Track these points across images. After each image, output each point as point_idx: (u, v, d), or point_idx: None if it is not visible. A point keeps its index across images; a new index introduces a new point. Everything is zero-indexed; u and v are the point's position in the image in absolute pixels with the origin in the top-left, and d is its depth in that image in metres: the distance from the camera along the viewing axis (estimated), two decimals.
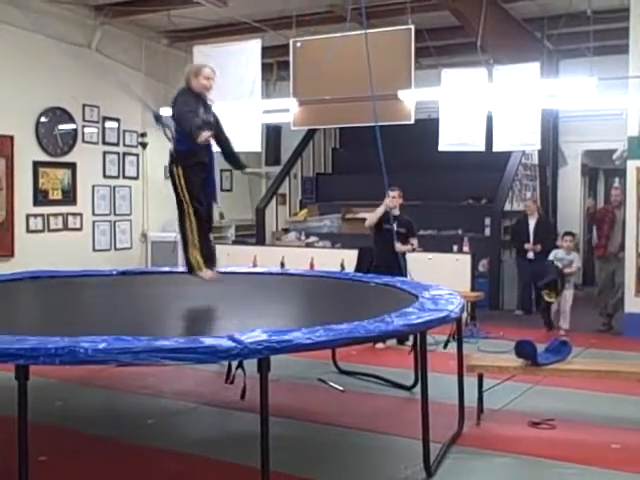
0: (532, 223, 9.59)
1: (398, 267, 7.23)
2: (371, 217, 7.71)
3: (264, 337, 3.27)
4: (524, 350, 5.04)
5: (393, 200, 7.63)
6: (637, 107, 8.18)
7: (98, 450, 4.49)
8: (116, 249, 10.55)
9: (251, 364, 3.36)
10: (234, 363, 4.11)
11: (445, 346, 5.33)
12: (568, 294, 8.46)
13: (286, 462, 3.98)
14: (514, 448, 4.51)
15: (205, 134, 4.69)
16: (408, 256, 7.71)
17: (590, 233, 10.05)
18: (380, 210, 7.58)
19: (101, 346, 3.08)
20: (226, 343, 3.21)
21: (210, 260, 5.16)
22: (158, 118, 5.15)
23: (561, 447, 4.55)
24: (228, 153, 5.31)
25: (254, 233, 11.64)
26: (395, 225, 7.46)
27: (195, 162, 5.01)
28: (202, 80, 4.97)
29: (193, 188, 5.01)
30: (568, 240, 8.57)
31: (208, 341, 3.25)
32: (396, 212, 7.67)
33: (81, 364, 3.15)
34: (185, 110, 4.79)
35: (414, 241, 7.76)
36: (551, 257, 8.49)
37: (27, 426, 3.09)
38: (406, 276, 6.95)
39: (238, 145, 9.34)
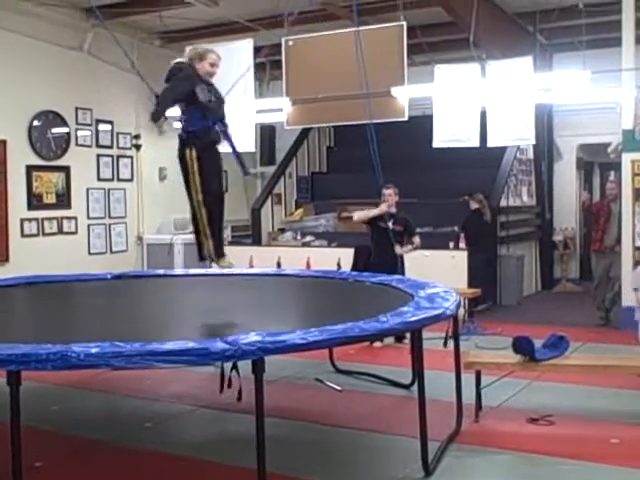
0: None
1: (395, 265, 7.21)
2: (361, 214, 7.61)
3: (257, 338, 3.25)
4: (522, 346, 5.02)
5: (389, 199, 7.60)
6: (631, 100, 8.17)
7: (95, 454, 4.46)
8: (112, 252, 10.50)
9: (248, 366, 3.33)
10: (227, 369, 4.09)
11: (445, 344, 5.31)
12: None
13: (283, 463, 3.96)
14: (513, 445, 4.49)
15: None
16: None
17: (586, 227, 10.02)
18: (374, 212, 7.50)
19: (93, 350, 3.06)
20: (220, 345, 3.19)
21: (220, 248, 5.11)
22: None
23: (560, 443, 4.53)
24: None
25: (250, 234, 11.60)
26: (391, 223, 7.43)
27: (209, 141, 4.82)
28: (207, 66, 4.84)
29: (207, 173, 4.79)
30: None
31: (202, 343, 3.23)
32: (393, 210, 7.64)
33: (74, 369, 3.11)
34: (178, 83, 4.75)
35: (416, 239, 7.64)
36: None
37: (20, 431, 3.07)
38: (404, 274, 6.92)
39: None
